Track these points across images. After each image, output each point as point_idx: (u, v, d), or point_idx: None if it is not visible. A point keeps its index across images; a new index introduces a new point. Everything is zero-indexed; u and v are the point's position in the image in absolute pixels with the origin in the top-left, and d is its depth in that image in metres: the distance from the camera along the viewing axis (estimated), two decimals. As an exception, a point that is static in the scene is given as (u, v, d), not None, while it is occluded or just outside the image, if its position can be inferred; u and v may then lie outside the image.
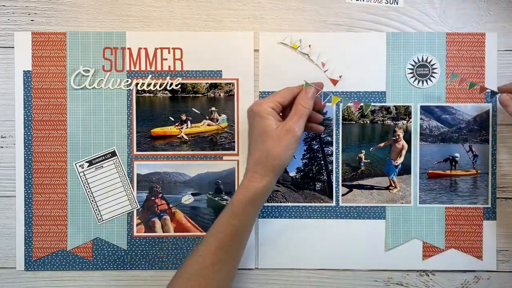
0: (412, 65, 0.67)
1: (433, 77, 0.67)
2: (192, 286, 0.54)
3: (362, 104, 0.65)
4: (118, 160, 0.68)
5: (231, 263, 0.57)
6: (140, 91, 0.68)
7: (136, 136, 0.68)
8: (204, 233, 0.68)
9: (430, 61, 0.67)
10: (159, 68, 0.68)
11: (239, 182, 0.68)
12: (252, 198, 0.57)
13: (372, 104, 0.67)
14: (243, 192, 0.57)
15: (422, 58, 0.67)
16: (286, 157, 0.57)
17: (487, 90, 0.62)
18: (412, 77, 0.67)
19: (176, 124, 0.68)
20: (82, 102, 0.68)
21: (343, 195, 0.68)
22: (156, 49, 0.68)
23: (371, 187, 0.68)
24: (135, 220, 0.68)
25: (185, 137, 0.68)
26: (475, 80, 0.67)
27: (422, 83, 0.67)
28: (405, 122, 0.68)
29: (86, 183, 0.68)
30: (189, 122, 0.68)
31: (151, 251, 0.68)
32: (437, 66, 0.67)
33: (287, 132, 0.56)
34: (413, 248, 0.68)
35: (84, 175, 0.68)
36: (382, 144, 0.68)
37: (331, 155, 0.68)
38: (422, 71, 0.67)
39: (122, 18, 0.68)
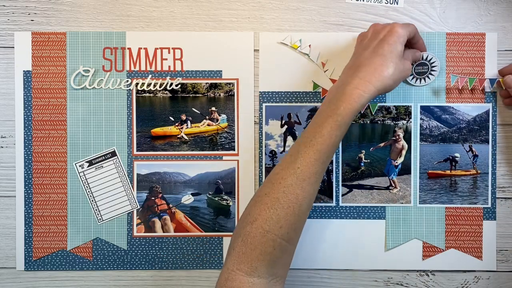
0: (411, 63, 0.67)
1: (432, 74, 0.67)
2: (289, 199, 0.53)
3: (369, 103, 0.66)
4: (118, 160, 0.68)
5: (322, 176, 0.56)
6: (140, 91, 0.68)
7: (136, 136, 0.68)
8: (205, 233, 0.68)
9: (430, 59, 0.67)
10: (159, 68, 0.68)
11: (239, 182, 0.68)
12: (357, 109, 0.55)
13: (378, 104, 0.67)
14: (351, 101, 0.54)
15: (422, 56, 0.67)
16: (394, 85, 0.58)
17: (486, 80, 0.63)
18: (410, 75, 0.67)
19: (176, 124, 0.68)
20: (82, 102, 0.68)
21: (343, 195, 0.68)
22: (156, 49, 0.68)
23: (371, 187, 0.68)
24: (135, 220, 0.68)
25: (185, 137, 0.68)
26: (475, 80, 0.66)
27: (420, 81, 0.67)
28: (405, 122, 0.68)
29: (86, 183, 0.68)
30: (189, 122, 0.68)
31: (151, 251, 0.68)
32: (436, 64, 0.67)
33: (407, 68, 0.59)
34: (413, 248, 0.68)
35: (84, 175, 0.68)
36: (382, 144, 0.68)
37: (331, 155, 0.68)
38: (421, 69, 0.67)
39: (122, 18, 0.68)
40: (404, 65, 0.59)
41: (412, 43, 0.64)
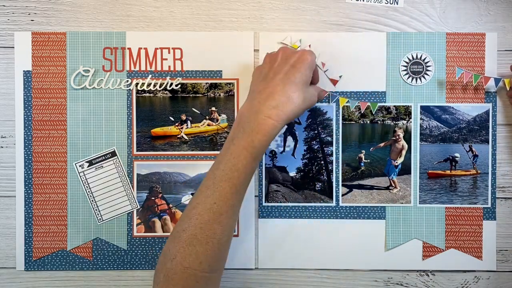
0: (406, 62, 0.67)
1: (427, 74, 0.67)
2: (207, 235, 0.53)
3: (369, 104, 0.66)
4: (118, 160, 0.68)
5: (240, 206, 0.57)
6: (140, 91, 0.68)
7: (136, 136, 0.68)
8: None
9: (424, 58, 0.67)
10: (159, 68, 0.68)
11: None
12: (270, 140, 0.55)
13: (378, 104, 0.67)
14: (265, 133, 0.54)
15: (416, 55, 0.67)
16: (301, 113, 0.59)
17: (491, 79, 0.64)
18: (406, 74, 0.67)
19: (176, 124, 0.68)
20: (82, 102, 0.68)
21: (343, 195, 0.68)
22: (156, 49, 0.68)
23: (371, 187, 0.68)
24: (135, 220, 0.68)
25: (185, 137, 0.68)
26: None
27: (416, 80, 0.67)
28: (405, 122, 0.68)
29: (86, 183, 0.68)
30: (189, 122, 0.68)
31: (151, 251, 0.68)
32: (431, 64, 0.67)
33: (313, 98, 0.61)
34: (413, 248, 0.68)
35: (84, 175, 0.68)
36: (382, 144, 0.68)
37: (331, 155, 0.68)
38: (416, 68, 0.67)
39: (122, 18, 0.68)
40: (311, 94, 0.60)
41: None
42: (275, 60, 0.59)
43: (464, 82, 0.67)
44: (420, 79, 0.67)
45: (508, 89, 0.66)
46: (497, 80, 0.65)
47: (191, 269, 0.52)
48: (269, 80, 0.57)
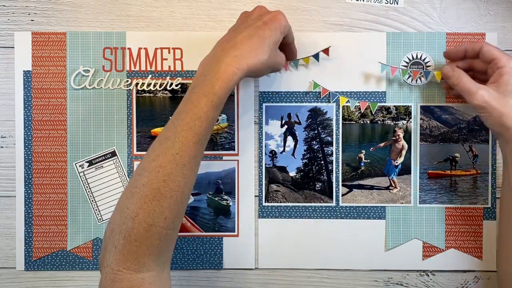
0: (406, 62, 0.67)
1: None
2: (171, 189, 0.50)
3: (369, 104, 0.66)
4: (118, 160, 0.68)
5: (201, 158, 0.54)
6: (140, 91, 0.68)
7: (136, 136, 0.68)
8: (205, 233, 0.68)
9: (424, 58, 0.67)
10: (159, 68, 0.68)
11: (239, 182, 0.68)
12: (231, 88, 0.53)
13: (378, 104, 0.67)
14: (225, 80, 0.52)
15: (416, 55, 0.67)
16: (264, 72, 0.59)
17: (419, 72, 0.65)
18: (406, 74, 0.67)
19: (176, 124, 0.68)
20: (82, 102, 0.68)
21: (343, 195, 0.68)
22: (156, 49, 0.68)
23: (371, 187, 0.68)
24: (135, 220, 0.68)
25: (185, 137, 0.68)
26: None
27: (416, 80, 0.67)
28: (405, 122, 0.68)
29: (86, 183, 0.68)
30: (189, 122, 0.68)
31: (151, 251, 0.68)
32: (430, 64, 0.67)
33: (279, 61, 0.60)
34: (413, 248, 0.68)
35: (84, 175, 0.68)
36: (382, 144, 0.68)
37: (331, 155, 0.68)
38: (416, 68, 0.67)
39: (122, 18, 0.68)
40: (278, 55, 0.59)
41: (285, 49, 0.63)
42: (249, 17, 0.59)
43: (391, 76, 0.67)
44: (420, 79, 0.67)
45: (439, 81, 0.65)
46: (426, 73, 0.65)
47: (155, 226, 0.50)
48: (238, 31, 0.56)
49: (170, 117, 0.68)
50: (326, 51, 0.66)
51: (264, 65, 0.56)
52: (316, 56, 0.67)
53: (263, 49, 0.55)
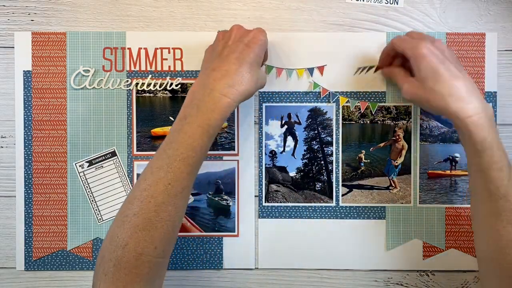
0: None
1: None
2: (162, 218, 0.51)
3: (369, 104, 0.66)
4: (118, 160, 0.68)
5: (191, 188, 0.55)
6: (140, 91, 0.68)
7: (136, 136, 0.68)
8: (205, 233, 0.68)
9: None
10: (159, 68, 0.68)
11: (239, 182, 0.68)
12: (226, 118, 0.54)
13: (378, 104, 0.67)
14: (221, 112, 0.53)
15: None
16: (253, 94, 0.59)
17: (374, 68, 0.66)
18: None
19: (176, 124, 0.68)
20: (82, 102, 0.68)
21: (343, 195, 0.68)
22: (156, 49, 0.68)
23: (371, 187, 0.68)
24: (135, 220, 0.68)
25: (185, 137, 0.68)
26: (475, 80, 0.66)
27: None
28: (405, 122, 0.68)
29: (86, 183, 0.68)
30: (189, 122, 0.68)
31: (151, 251, 0.68)
32: None
33: (263, 79, 0.61)
34: (413, 248, 0.68)
35: (84, 175, 0.68)
36: (382, 144, 0.68)
37: (331, 155, 0.68)
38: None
39: (122, 18, 0.68)
40: (262, 75, 0.60)
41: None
42: (229, 38, 0.59)
43: (278, 76, 0.67)
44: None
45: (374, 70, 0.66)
46: (310, 70, 0.66)
47: (145, 255, 0.50)
48: (223, 58, 0.56)
49: (170, 117, 0.68)
50: (321, 69, 0.67)
51: (255, 89, 0.58)
52: (310, 71, 0.67)
53: (252, 74, 0.56)
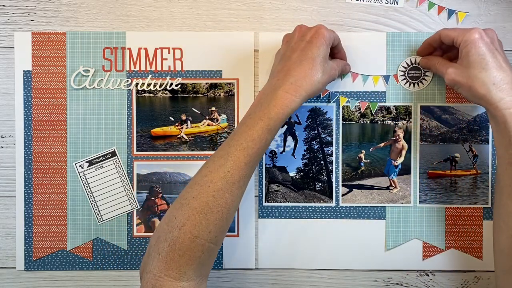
0: (405, 67, 0.67)
1: (425, 79, 0.67)
2: (219, 204, 0.53)
3: (369, 104, 0.66)
4: (118, 160, 0.68)
5: (250, 178, 0.57)
6: (140, 91, 0.68)
7: (136, 136, 0.68)
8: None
9: None
10: (159, 68, 0.68)
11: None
12: (289, 114, 0.56)
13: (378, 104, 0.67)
14: (282, 106, 0.55)
15: (416, 60, 0.67)
16: (322, 89, 0.59)
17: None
18: (403, 79, 0.67)
19: (176, 124, 0.68)
20: (82, 102, 0.68)
21: (343, 195, 0.68)
22: (156, 49, 0.68)
23: (371, 187, 0.68)
24: (135, 220, 0.68)
25: (185, 137, 0.68)
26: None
27: (414, 86, 0.67)
28: (405, 122, 0.68)
29: (86, 183, 0.68)
30: (189, 122, 0.68)
31: (151, 251, 0.68)
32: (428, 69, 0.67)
33: (333, 72, 0.61)
34: (413, 248, 0.68)
35: (84, 175, 0.68)
36: (382, 144, 0.68)
37: (331, 155, 0.68)
38: (414, 73, 0.67)
39: (122, 18, 0.68)
40: (331, 67, 0.60)
41: (334, 52, 0.64)
42: (292, 39, 0.60)
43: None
44: (418, 84, 0.67)
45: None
46: (386, 78, 0.67)
47: (200, 238, 0.52)
48: (286, 59, 0.58)
49: (170, 117, 0.68)
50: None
51: (320, 84, 0.58)
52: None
53: (315, 70, 0.57)
